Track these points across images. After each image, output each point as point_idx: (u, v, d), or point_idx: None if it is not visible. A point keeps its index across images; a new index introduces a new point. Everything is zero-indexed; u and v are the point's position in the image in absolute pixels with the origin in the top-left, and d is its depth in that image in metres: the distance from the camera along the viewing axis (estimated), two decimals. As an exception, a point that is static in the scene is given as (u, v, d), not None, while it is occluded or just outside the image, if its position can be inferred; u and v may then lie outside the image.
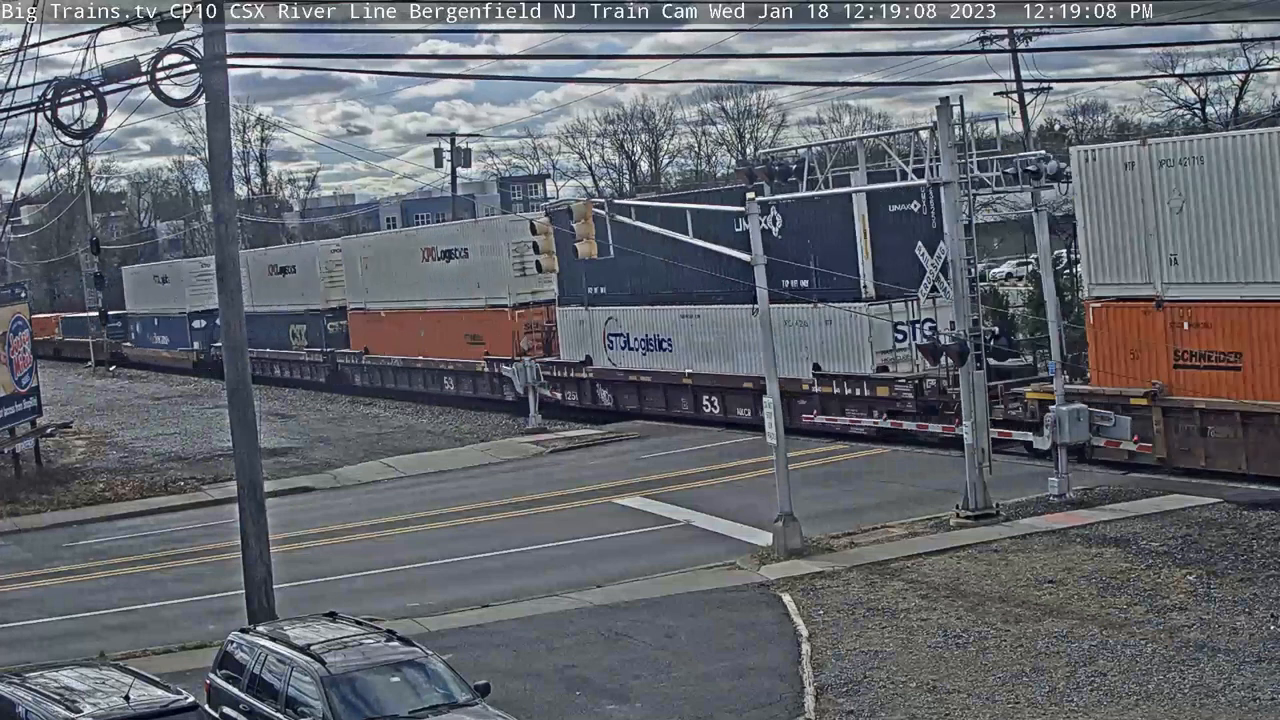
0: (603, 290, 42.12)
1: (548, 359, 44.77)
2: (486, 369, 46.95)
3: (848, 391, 34.60)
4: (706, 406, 39.37)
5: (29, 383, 41.97)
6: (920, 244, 33.37)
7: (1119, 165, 28.21)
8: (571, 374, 44.13)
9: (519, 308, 46.22)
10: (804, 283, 34.58)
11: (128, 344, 78.12)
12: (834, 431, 35.02)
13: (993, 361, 31.63)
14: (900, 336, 33.82)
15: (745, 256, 25.88)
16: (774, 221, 34.29)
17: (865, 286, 34.07)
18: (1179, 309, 27.34)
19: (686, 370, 39.60)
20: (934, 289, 33.09)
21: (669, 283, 38.36)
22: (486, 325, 47.21)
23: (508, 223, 49.33)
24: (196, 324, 67.38)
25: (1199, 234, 26.69)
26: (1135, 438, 27.33)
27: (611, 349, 42.36)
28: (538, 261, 31.57)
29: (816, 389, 35.36)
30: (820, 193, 28.93)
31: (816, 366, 35.43)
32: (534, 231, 31.54)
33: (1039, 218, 27.22)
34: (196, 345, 67.56)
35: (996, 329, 32.16)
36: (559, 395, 44.17)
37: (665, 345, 40.41)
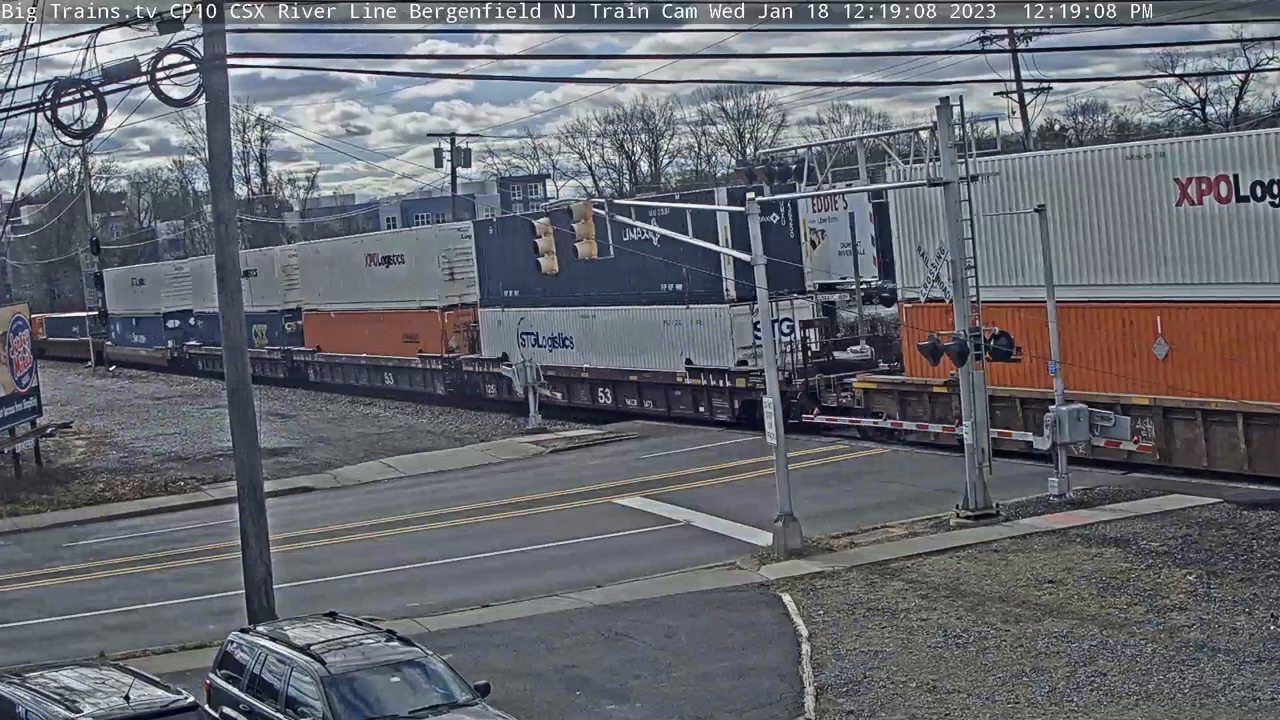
0: (516, 294, 46.24)
1: (472, 355, 48.79)
2: (420, 365, 51.35)
3: (713, 383, 38.58)
4: (601, 397, 43.72)
5: (29, 383, 41.98)
6: (783, 250, 36.41)
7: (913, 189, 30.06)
8: (490, 369, 47.61)
9: (449, 309, 50.13)
10: (678, 286, 38.59)
11: (109, 343, 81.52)
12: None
13: (838, 354, 36.47)
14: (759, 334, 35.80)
15: (746, 257, 25.99)
16: (654, 232, 36.37)
17: (728, 290, 37.44)
18: None
19: (585, 365, 43.82)
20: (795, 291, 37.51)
21: (568, 288, 42.05)
22: (421, 325, 51.21)
23: (437, 231, 54.66)
24: (170, 324, 71.97)
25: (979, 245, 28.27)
26: (1135, 438, 27.39)
27: (524, 346, 45.73)
28: (538, 261, 31.73)
29: (688, 380, 39.54)
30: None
31: (689, 361, 39.37)
32: (534, 233, 31.87)
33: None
34: (170, 344, 71.78)
35: (997, 328, 32.20)
36: (481, 389, 48.71)
37: (567, 343, 44.74)
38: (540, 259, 31.56)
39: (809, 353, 37.08)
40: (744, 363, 37.38)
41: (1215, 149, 26.60)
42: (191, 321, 69.63)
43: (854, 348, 37.62)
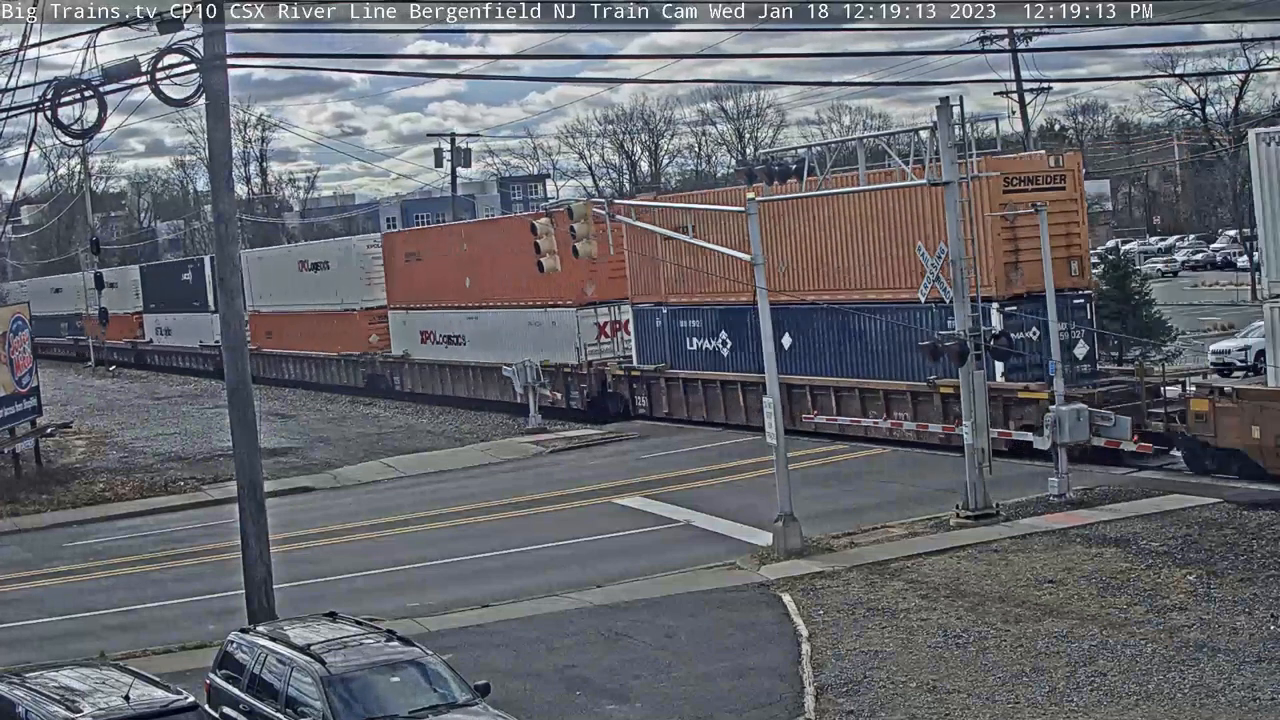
0: (155, 306, 79.68)
1: (144, 340, 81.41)
2: (120, 344, 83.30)
3: (203, 353, 69.08)
4: (178, 362, 75.28)
5: (29, 382, 41.95)
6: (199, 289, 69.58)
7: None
8: (145, 348, 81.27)
9: (133, 314, 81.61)
10: (199, 302, 69.18)
11: None
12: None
13: None
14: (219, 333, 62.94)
15: (745, 257, 26.08)
16: (206, 270, 66.64)
17: (211, 304, 64.20)
18: (267, 319, 61.45)
19: (176, 345, 74.94)
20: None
21: (168, 303, 75.56)
22: (123, 325, 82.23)
23: (129, 269, 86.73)
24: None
25: (272, 283, 59.97)
26: (1134, 437, 27.41)
27: (158, 335, 79.37)
28: (539, 262, 31.76)
29: (202, 351, 69.21)
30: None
31: (201, 341, 69.92)
32: (535, 232, 31.92)
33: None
34: None
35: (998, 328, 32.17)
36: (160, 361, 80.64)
37: (169, 332, 77.18)
38: (542, 259, 31.69)
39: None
40: (214, 345, 61.77)
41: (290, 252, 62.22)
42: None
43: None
